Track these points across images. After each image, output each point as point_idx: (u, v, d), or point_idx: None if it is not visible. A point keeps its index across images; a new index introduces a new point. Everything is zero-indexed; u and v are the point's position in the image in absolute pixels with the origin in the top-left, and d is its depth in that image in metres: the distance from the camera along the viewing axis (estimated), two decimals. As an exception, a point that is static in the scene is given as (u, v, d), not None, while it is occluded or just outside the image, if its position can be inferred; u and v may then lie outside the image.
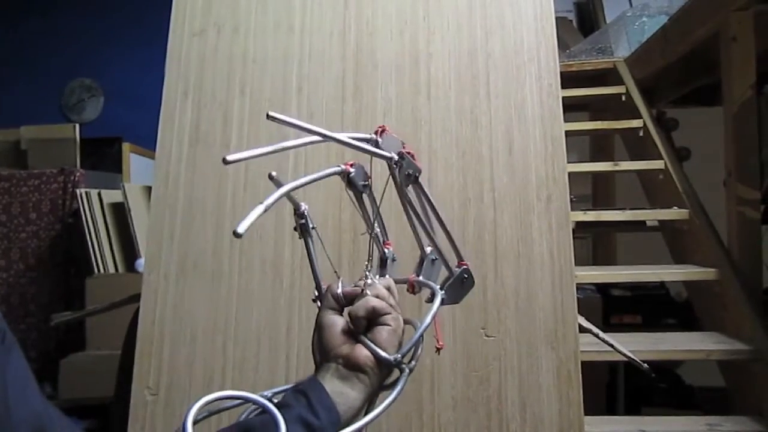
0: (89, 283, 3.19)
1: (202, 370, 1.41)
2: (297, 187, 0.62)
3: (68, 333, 3.38)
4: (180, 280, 1.46)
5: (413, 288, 0.72)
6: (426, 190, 0.69)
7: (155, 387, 1.41)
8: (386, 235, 0.74)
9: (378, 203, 0.71)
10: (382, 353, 0.62)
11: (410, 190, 0.70)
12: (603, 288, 3.16)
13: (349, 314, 0.65)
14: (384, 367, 0.63)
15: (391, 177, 0.69)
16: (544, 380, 1.33)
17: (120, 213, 3.43)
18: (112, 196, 3.49)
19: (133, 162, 4.17)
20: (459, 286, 0.72)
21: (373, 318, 0.64)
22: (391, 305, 0.65)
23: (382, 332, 0.64)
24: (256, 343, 1.41)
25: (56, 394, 3.04)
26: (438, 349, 0.74)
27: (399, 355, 0.63)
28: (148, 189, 3.29)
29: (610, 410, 3.04)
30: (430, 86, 1.50)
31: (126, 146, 4.23)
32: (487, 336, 1.36)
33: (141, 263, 2.59)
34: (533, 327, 1.36)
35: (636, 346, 1.95)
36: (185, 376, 1.41)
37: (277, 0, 1.60)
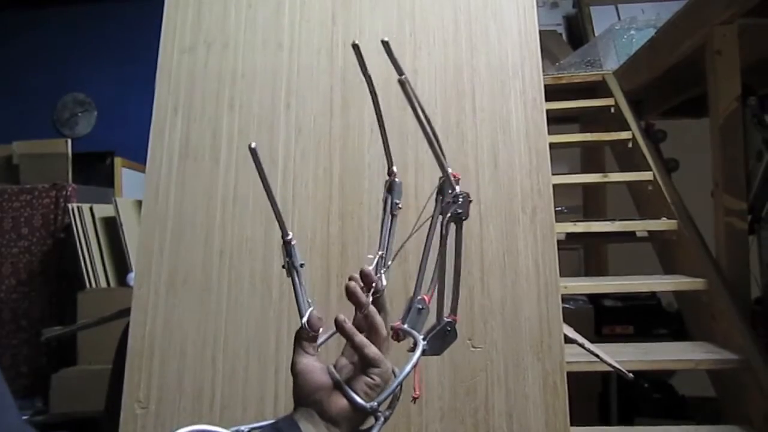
0: (81, 298, 3.19)
1: (191, 383, 1.42)
2: None
3: (60, 348, 3.37)
4: (170, 294, 1.47)
5: (397, 335, 0.72)
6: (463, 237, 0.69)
7: (145, 400, 1.42)
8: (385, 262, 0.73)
9: (389, 227, 0.71)
10: (359, 400, 0.63)
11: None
12: (595, 298, 3.17)
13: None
14: (359, 413, 0.64)
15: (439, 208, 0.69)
16: (530, 391, 1.35)
17: (112, 227, 3.43)
18: (104, 210, 3.49)
19: (126, 176, 4.17)
20: (441, 338, 0.72)
21: (363, 364, 0.65)
22: (382, 358, 0.65)
23: (362, 383, 0.64)
24: (246, 357, 1.42)
25: (48, 409, 3.03)
26: (414, 399, 0.75)
27: (375, 403, 0.63)
28: (141, 203, 3.31)
29: (604, 421, 3.04)
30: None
31: (118, 161, 4.24)
32: (474, 347, 1.37)
33: (132, 277, 2.59)
34: (519, 338, 1.37)
35: (626, 356, 1.96)
36: (175, 390, 1.42)
37: (266, 17, 1.62)
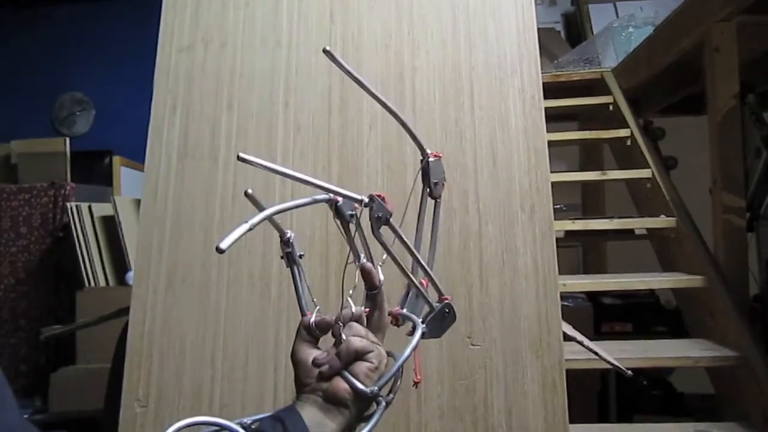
0: (80, 297, 3.19)
1: (191, 381, 1.42)
2: (281, 211, 0.62)
3: (59, 346, 3.38)
4: (169, 293, 1.47)
5: (396, 320, 0.72)
6: (399, 231, 0.68)
7: (145, 399, 1.42)
8: (373, 264, 0.73)
9: (364, 234, 0.71)
10: (359, 385, 0.63)
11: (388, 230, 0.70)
12: (594, 296, 3.18)
13: (329, 362, 0.65)
14: (362, 399, 0.64)
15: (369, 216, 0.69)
16: (529, 388, 1.35)
17: (110, 226, 3.43)
18: (102, 209, 3.49)
19: (124, 175, 4.18)
20: (440, 320, 0.72)
21: (356, 359, 0.65)
22: (372, 341, 0.66)
23: (363, 366, 0.64)
24: (245, 355, 1.42)
25: (47, 408, 3.04)
26: (415, 383, 0.75)
27: (376, 388, 0.64)
28: (139, 202, 3.31)
29: (603, 418, 3.05)
30: (415, 99, 1.52)
31: (117, 159, 4.24)
32: (473, 345, 1.37)
33: (131, 276, 2.59)
34: (518, 336, 1.38)
35: (624, 353, 1.96)
36: (174, 388, 1.42)
37: (265, 16, 1.62)
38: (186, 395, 1.41)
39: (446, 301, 0.72)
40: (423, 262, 0.72)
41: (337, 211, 0.67)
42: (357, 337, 0.65)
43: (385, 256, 0.70)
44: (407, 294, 0.73)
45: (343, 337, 0.65)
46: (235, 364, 1.42)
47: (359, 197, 0.67)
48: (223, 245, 0.53)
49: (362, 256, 0.71)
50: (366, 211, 0.67)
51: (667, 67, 2.77)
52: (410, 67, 1.54)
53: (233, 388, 1.40)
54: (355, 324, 0.67)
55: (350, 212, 0.67)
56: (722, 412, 2.22)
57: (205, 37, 1.62)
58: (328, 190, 0.66)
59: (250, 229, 0.57)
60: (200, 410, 1.39)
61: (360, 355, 0.64)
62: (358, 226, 0.69)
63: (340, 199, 0.67)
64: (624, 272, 2.60)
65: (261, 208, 0.64)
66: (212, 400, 1.40)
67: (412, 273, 0.72)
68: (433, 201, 0.75)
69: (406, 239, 0.69)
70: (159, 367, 1.43)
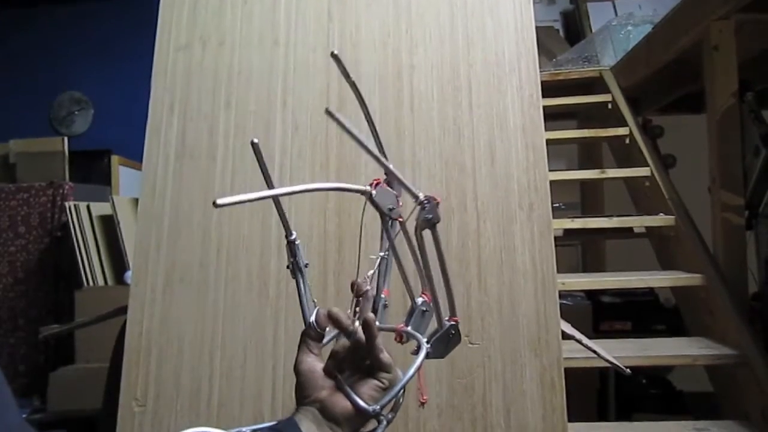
0: (78, 296, 3.19)
1: (189, 381, 1.42)
2: (292, 193, 0.61)
3: (57, 346, 3.37)
4: (167, 292, 1.47)
5: (401, 338, 0.71)
6: (440, 240, 0.67)
7: (143, 398, 1.42)
8: (387, 273, 0.73)
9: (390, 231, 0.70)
10: (361, 403, 0.62)
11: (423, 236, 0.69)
12: (593, 295, 3.18)
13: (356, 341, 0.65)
14: (361, 416, 0.63)
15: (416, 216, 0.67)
16: (527, 387, 1.35)
17: (109, 225, 3.43)
18: (101, 208, 3.49)
19: (123, 174, 4.17)
20: (445, 341, 0.71)
21: (375, 366, 0.65)
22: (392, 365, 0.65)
23: (370, 386, 0.64)
24: (243, 354, 1.41)
25: (45, 407, 3.03)
26: (422, 403, 0.74)
27: (378, 407, 0.63)
28: (138, 201, 3.30)
29: (602, 417, 3.05)
30: (413, 98, 1.52)
31: (115, 159, 4.24)
32: (471, 344, 1.37)
33: (130, 275, 2.59)
34: (517, 334, 1.37)
35: (623, 352, 1.96)
36: (173, 387, 1.42)
37: (262, 14, 1.62)
38: (184, 394, 1.41)
39: (454, 322, 0.71)
40: (449, 277, 0.70)
41: (373, 203, 0.65)
42: (385, 353, 0.65)
43: (385, 298, 0.69)
44: (412, 311, 0.72)
45: (375, 301, 0.65)
46: (234, 363, 1.41)
47: (416, 192, 0.65)
48: (220, 201, 0.51)
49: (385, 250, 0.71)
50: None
51: (665, 66, 2.77)
52: (408, 65, 1.54)
53: (231, 387, 1.40)
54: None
55: (390, 206, 0.66)
56: (721, 410, 2.22)
57: (203, 36, 1.62)
58: (396, 177, 0.64)
59: (252, 200, 0.55)
60: (198, 409, 1.39)
61: (382, 367, 0.64)
62: (385, 221, 0.68)
63: (374, 191, 0.65)
64: (623, 271, 2.60)
65: (262, 162, 0.62)
66: (210, 399, 1.40)
67: (423, 287, 0.71)
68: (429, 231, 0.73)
69: (443, 250, 0.67)
70: (157, 366, 1.43)
